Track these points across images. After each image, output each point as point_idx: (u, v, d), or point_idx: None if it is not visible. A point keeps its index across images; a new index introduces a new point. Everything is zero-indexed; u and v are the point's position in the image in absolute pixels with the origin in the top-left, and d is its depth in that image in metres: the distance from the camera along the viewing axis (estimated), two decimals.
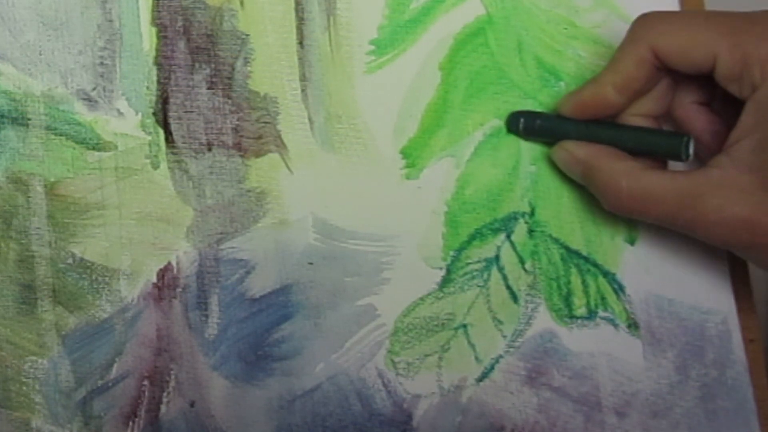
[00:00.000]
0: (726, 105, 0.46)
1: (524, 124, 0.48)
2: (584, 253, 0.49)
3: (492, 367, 0.48)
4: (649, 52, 0.44)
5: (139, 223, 0.46)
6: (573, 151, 0.47)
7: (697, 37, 0.44)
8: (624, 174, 0.45)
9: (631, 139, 0.46)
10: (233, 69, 0.46)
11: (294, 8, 0.47)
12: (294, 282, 0.47)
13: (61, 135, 0.45)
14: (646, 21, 0.45)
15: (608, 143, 0.46)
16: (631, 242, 0.49)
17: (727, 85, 0.44)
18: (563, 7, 0.49)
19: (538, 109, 0.49)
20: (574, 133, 0.47)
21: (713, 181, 0.43)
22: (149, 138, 0.46)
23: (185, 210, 0.46)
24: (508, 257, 0.49)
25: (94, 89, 0.46)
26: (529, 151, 0.49)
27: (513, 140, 0.49)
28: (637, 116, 0.47)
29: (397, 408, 0.48)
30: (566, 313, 0.49)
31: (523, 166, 0.49)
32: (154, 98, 0.46)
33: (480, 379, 0.48)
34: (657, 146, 0.46)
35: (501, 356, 0.48)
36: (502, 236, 0.49)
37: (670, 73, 0.46)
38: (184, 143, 0.46)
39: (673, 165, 0.48)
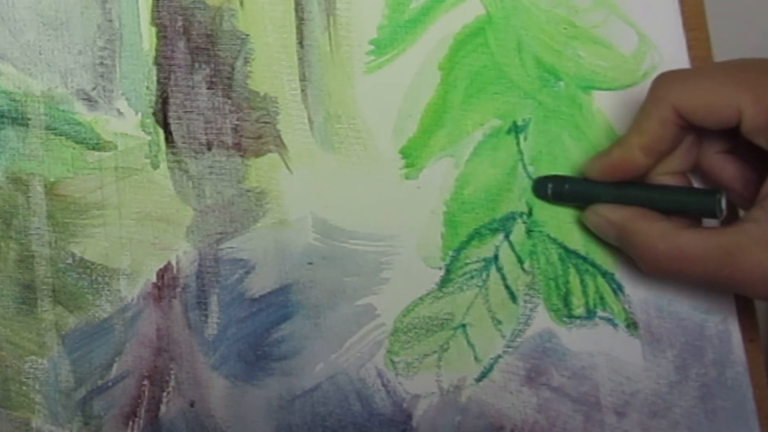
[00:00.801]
0: (753, 151, 0.46)
1: (552, 189, 0.49)
2: (582, 253, 0.50)
3: (491, 367, 0.49)
4: (672, 113, 0.45)
5: (138, 222, 0.47)
6: (606, 215, 0.47)
7: (719, 94, 0.44)
8: (659, 236, 0.45)
9: (663, 200, 0.47)
10: (233, 69, 0.48)
11: (294, 8, 0.48)
12: (293, 282, 0.48)
13: (61, 135, 0.46)
14: (665, 81, 0.46)
15: (640, 204, 0.47)
16: None
17: (754, 138, 0.44)
18: (563, 6, 0.50)
19: (538, 110, 0.50)
20: (604, 195, 0.48)
21: (751, 236, 0.43)
22: (149, 138, 0.47)
23: (185, 210, 0.47)
24: (506, 257, 0.50)
25: (94, 89, 0.47)
26: (528, 151, 0.50)
27: (512, 140, 0.50)
28: (666, 174, 0.48)
29: (397, 408, 0.49)
30: (565, 313, 0.50)
31: (522, 167, 0.50)
32: (153, 98, 0.47)
33: (479, 379, 0.49)
34: (690, 205, 0.46)
35: (500, 356, 0.49)
36: (501, 236, 0.50)
37: (694, 129, 0.46)
38: (183, 143, 0.47)
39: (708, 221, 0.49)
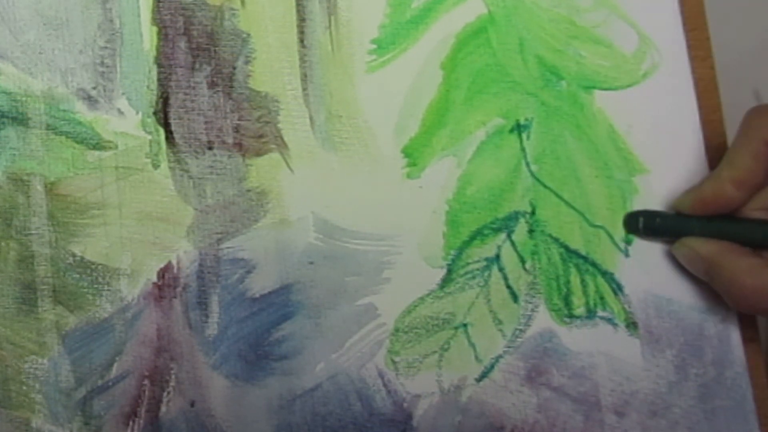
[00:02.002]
0: None
1: (644, 224, 0.51)
2: (583, 252, 0.51)
3: (492, 367, 0.51)
4: (764, 146, 0.46)
5: (139, 222, 0.48)
6: (696, 248, 0.49)
7: None
8: (748, 271, 0.46)
9: (753, 234, 0.48)
10: (234, 68, 0.49)
11: (295, 7, 0.50)
12: (294, 281, 0.49)
13: (61, 134, 0.47)
14: (759, 113, 0.47)
15: (731, 239, 0.48)
16: (630, 242, 0.52)
17: None
18: (564, 6, 0.52)
19: (541, 109, 0.51)
20: (695, 229, 0.49)
21: None
22: (150, 137, 0.48)
23: (186, 209, 0.49)
24: (508, 257, 0.51)
25: (94, 88, 0.48)
26: (531, 150, 0.51)
27: (515, 139, 0.51)
28: (759, 210, 0.48)
29: (397, 407, 0.50)
30: (566, 313, 0.51)
31: (525, 166, 0.51)
32: (154, 97, 0.48)
33: (480, 379, 0.51)
34: None
35: (501, 356, 0.51)
36: (503, 236, 0.51)
37: None
38: (184, 142, 0.48)
39: None
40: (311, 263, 0.50)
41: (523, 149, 0.51)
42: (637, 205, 0.52)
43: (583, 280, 0.51)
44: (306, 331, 0.49)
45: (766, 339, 0.61)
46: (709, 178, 0.49)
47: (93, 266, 0.48)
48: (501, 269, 0.51)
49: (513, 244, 0.51)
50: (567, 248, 0.51)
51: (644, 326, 0.52)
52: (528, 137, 0.51)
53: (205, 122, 0.49)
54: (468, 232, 0.51)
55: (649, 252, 0.52)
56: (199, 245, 0.49)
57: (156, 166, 0.48)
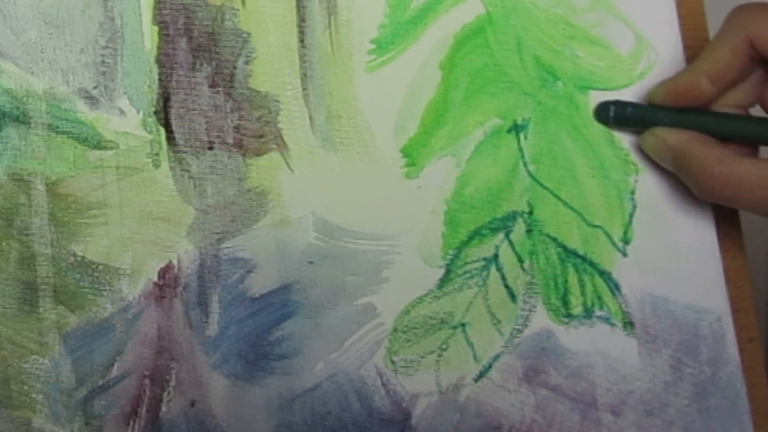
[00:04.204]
0: None
1: (615, 113, 0.54)
2: (581, 252, 0.55)
3: (490, 366, 0.54)
4: (745, 42, 0.49)
5: (140, 222, 0.52)
6: (665, 137, 0.52)
7: None
8: (716, 160, 0.50)
9: (723, 126, 0.52)
10: (234, 68, 0.53)
11: (295, 7, 0.53)
12: (294, 281, 0.53)
13: (62, 133, 0.51)
14: (743, 11, 0.50)
15: (700, 130, 0.52)
16: (627, 242, 0.56)
17: None
18: (561, 6, 0.55)
19: (538, 109, 0.55)
20: (666, 120, 0.53)
21: None
22: (150, 137, 0.52)
23: (186, 209, 0.52)
24: (506, 256, 0.55)
25: (95, 88, 0.51)
26: (528, 150, 0.55)
27: (513, 140, 0.55)
28: (728, 106, 0.52)
29: (396, 407, 0.54)
30: (563, 313, 0.55)
31: (522, 166, 0.55)
32: (155, 97, 0.52)
33: (478, 378, 0.54)
34: (750, 132, 0.51)
35: (499, 355, 0.54)
36: (501, 235, 0.55)
37: (764, 65, 0.51)
38: (185, 142, 0.52)
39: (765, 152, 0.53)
40: (311, 263, 0.53)
41: (520, 149, 0.55)
42: (636, 204, 0.56)
43: (580, 280, 0.55)
44: (305, 330, 0.53)
45: (766, 339, 0.65)
46: (685, 70, 0.52)
47: (94, 266, 0.51)
48: (499, 269, 0.55)
49: (511, 243, 0.55)
50: (565, 248, 0.55)
51: (641, 326, 0.55)
52: (525, 137, 0.55)
53: (206, 122, 0.52)
54: (466, 231, 0.55)
55: (647, 252, 0.55)
56: (200, 245, 0.52)
57: (157, 166, 0.52)
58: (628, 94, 0.56)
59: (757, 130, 0.52)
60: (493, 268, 0.55)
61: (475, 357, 0.54)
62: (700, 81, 0.51)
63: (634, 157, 0.56)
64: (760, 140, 0.52)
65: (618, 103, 0.55)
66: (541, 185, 0.55)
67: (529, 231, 0.55)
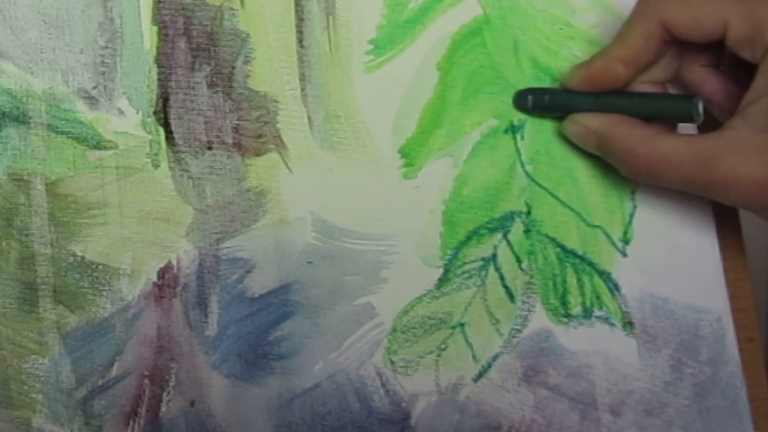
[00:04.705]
0: (736, 66, 0.52)
1: (533, 101, 0.55)
2: (580, 252, 0.56)
3: (489, 366, 0.55)
4: (657, 26, 0.50)
5: (139, 222, 0.53)
6: (586, 123, 0.53)
7: (704, 7, 0.49)
8: (639, 140, 0.51)
9: (642, 106, 0.52)
10: (233, 68, 0.54)
11: (294, 8, 0.54)
12: (293, 281, 0.54)
13: (62, 134, 0.52)
14: None
15: (620, 112, 0.52)
16: (627, 242, 0.56)
17: (739, 50, 0.50)
18: (560, 7, 0.56)
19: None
20: (584, 105, 0.53)
21: (728, 143, 0.49)
22: (150, 137, 0.53)
23: (185, 209, 0.53)
24: (505, 256, 0.56)
25: (95, 88, 0.52)
26: (525, 150, 0.56)
27: (509, 140, 0.56)
28: (645, 84, 0.53)
29: (396, 406, 0.54)
30: (562, 312, 0.56)
31: (520, 166, 0.56)
32: (154, 97, 0.53)
33: (477, 378, 0.55)
34: (668, 110, 0.52)
35: (498, 355, 0.55)
36: (499, 235, 0.56)
37: (678, 42, 0.52)
38: (184, 142, 0.53)
39: (688, 129, 0.54)
40: (310, 263, 0.54)
41: (517, 150, 0.56)
42: (636, 204, 0.56)
43: (579, 280, 0.56)
44: (305, 330, 0.54)
45: (766, 339, 0.65)
46: (599, 55, 0.53)
47: (93, 266, 0.52)
48: (498, 269, 0.56)
49: (509, 243, 0.56)
50: (563, 248, 0.56)
51: (640, 326, 0.56)
52: (522, 138, 0.56)
53: (205, 122, 0.53)
54: (464, 231, 0.55)
55: (647, 251, 0.56)
56: (199, 245, 0.53)
57: (156, 166, 0.53)
58: None
59: (674, 107, 0.52)
60: (491, 268, 0.55)
61: (474, 357, 0.55)
62: (614, 66, 0.52)
63: None
64: (679, 117, 0.53)
65: (535, 91, 0.56)
66: (539, 185, 0.56)
67: (527, 231, 0.56)
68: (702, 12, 0.50)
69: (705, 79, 0.54)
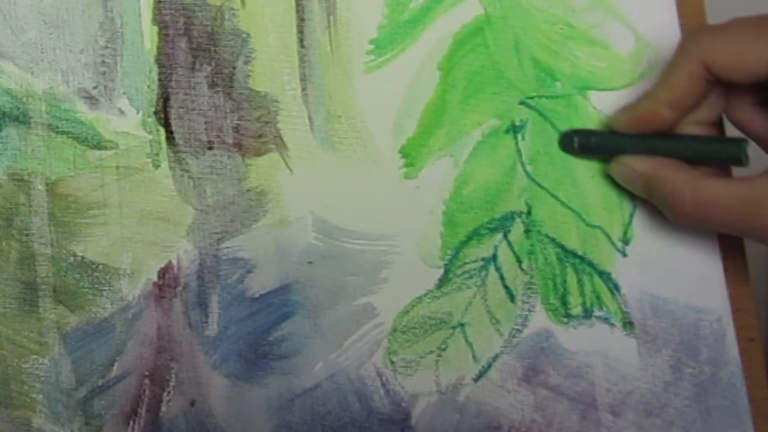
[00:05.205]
0: None
1: (579, 143, 0.55)
2: (580, 252, 0.56)
3: (489, 366, 0.55)
4: (701, 68, 0.50)
5: (139, 222, 0.53)
6: (632, 165, 0.53)
7: (748, 48, 0.49)
8: (686, 184, 0.51)
9: (689, 149, 0.53)
10: (234, 68, 0.54)
11: (294, 8, 0.55)
12: (294, 281, 0.54)
13: (62, 134, 0.52)
14: (695, 36, 0.51)
15: (667, 155, 0.52)
16: (626, 242, 0.56)
17: None
18: (560, 7, 0.57)
19: (535, 110, 0.56)
20: (631, 147, 0.54)
21: None
22: (150, 137, 0.53)
23: (186, 209, 0.53)
24: (505, 256, 0.56)
25: (95, 88, 0.53)
26: (526, 151, 0.56)
27: (510, 140, 0.56)
28: (692, 124, 0.53)
29: (396, 407, 0.55)
30: (562, 313, 0.56)
31: (521, 166, 0.56)
32: (155, 97, 0.53)
33: (477, 378, 0.55)
34: (715, 153, 0.52)
35: (498, 355, 0.55)
36: (500, 236, 0.56)
37: (722, 83, 0.52)
38: (185, 142, 0.53)
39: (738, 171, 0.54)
40: (310, 263, 0.55)
41: (518, 150, 0.56)
42: (636, 205, 0.57)
43: (579, 280, 0.56)
44: (305, 330, 0.54)
45: (766, 339, 0.66)
46: (644, 98, 0.53)
47: (94, 266, 0.52)
48: (498, 269, 0.56)
49: (509, 244, 0.56)
50: (563, 248, 0.56)
51: (641, 326, 0.56)
52: (523, 138, 0.56)
53: (206, 122, 0.54)
54: (465, 232, 0.56)
55: (647, 252, 0.56)
56: (199, 245, 0.53)
57: (156, 166, 0.53)
58: (629, 95, 0.57)
59: (721, 150, 0.53)
60: (491, 268, 0.56)
61: (474, 357, 0.55)
62: (660, 109, 0.52)
63: None
64: (726, 160, 0.53)
65: (581, 133, 0.56)
66: (539, 185, 0.56)
67: (527, 231, 0.56)
68: (746, 53, 0.50)
69: (752, 118, 0.53)
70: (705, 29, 0.52)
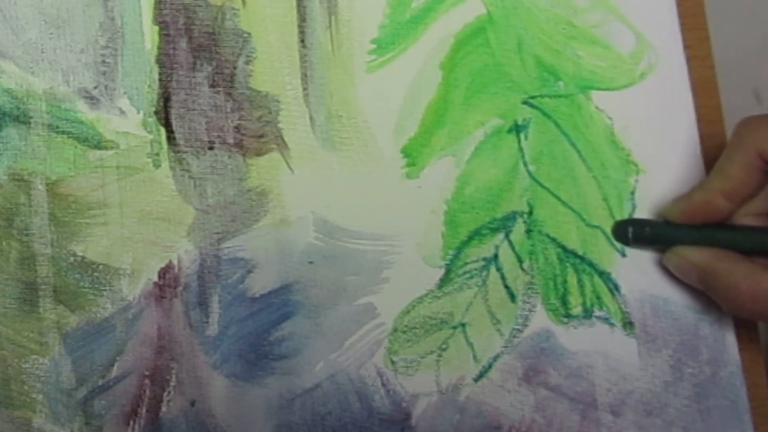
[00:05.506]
0: None
1: (633, 233, 0.55)
2: (580, 252, 0.56)
3: (490, 366, 0.55)
4: (757, 158, 0.50)
5: (140, 221, 0.53)
6: (688, 257, 0.53)
7: None
8: (743, 277, 0.50)
9: (745, 240, 0.52)
10: (235, 68, 0.54)
11: (295, 7, 0.54)
12: (294, 281, 0.54)
13: (62, 133, 0.52)
14: (750, 125, 0.51)
15: (723, 246, 0.52)
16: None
17: None
18: (562, 6, 0.57)
19: (538, 110, 0.56)
20: (686, 238, 0.53)
21: None
22: (151, 137, 0.53)
23: (186, 209, 0.53)
24: (506, 257, 0.56)
25: (95, 88, 0.53)
26: (528, 150, 0.57)
27: (513, 140, 0.56)
28: (749, 216, 0.53)
29: (396, 407, 0.55)
30: (563, 313, 0.56)
31: (522, 166, 0.56)
32: (155, 97, 0.53)
33: (478, 378, 0.55)
34: None
35: (498, 355, 0.56)
36: (501, 236, 0.56)
37: None
38: (185, 142, 0.53)
39: None
40: (311, 263, 0.55)
41: (520, 149, 0.56)
42: (635, 205, 0.57)
43: (580, 280, 0.56)
44: (305, 330, 0.54)
45: (766, 339, 0.66)
46: (699, 188, 0.53)
47: (94, 266, 0.53)
48: (499, 269, 0.56)
49: (511, 244, 0.56)
50: (564, 248, 0.56)
51: (641, 326, 0.56)
52: (525, 137, 0.56)
53: (206, 122, 0.54)
54: (466, 232, 0.56)
55: (646, 252, 0.56)
56: (200, 245, 0.54)
57: (157, 166, 0.53)
58: (630, 94, 0.57)
59: None
60: (492, 268, 0.56)
61: (474, 357, 0.56)
62: (715, 199, 0.52)
63: (635, 157, 0.57)
64: None
65: (635, 223, 0.56)
66: (541, 185, 0.56)
67: (528, 231, 0.56)
68: None
69: None
70: (759, 118, 0.52)
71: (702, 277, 0.53)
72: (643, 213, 0.57)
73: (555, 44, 0.57)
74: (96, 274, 0.52)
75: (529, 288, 0.56)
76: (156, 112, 0.53)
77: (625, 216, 0.56)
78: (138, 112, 0.53)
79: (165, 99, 0.53)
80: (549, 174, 0.56)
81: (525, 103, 0.56)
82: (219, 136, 0.53)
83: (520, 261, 0.56)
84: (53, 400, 0.52)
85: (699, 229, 0.53)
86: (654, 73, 0.57)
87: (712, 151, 0.57)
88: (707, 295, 0.55)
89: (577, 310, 0.56)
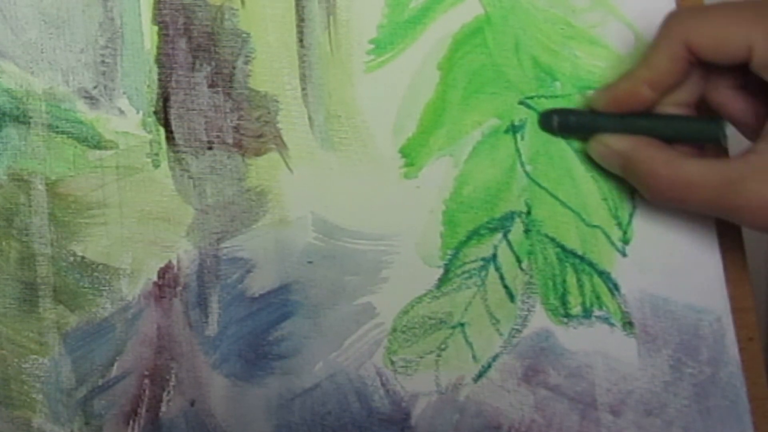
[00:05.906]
0: (762, 86, 0.52)
1: (558, 121, 0.56)
2: (579, 252, 0.57)
3: (489, 366, 0.56)
4: (682, 49, 0.51)
5: (139, 221, 0.54)
6: (610, 144, 0.54)
7: (730, 30, 0.50)
8: (663, 163, 0.51)
9: (667, 128, 0.53)
10: (234, 68, 0.54)
11: (294, 7, 0.55)
12: (293, 281, 0.55)
13: (62, 133, 0.53)
14: (677, 17, 0.52)
15: (645, 134, 0.53)
16: (626, 242, 0.57)
17: (764, 74, 0.50)
18: (560, 7, 0.57)
19: (535, 110, 0.56)
20: (609, 126, 0.54)
21: (753, 166, 0.49)
22: (150, 137, 0.54)
23: (186, 209, 0.54)
24: (505, 256, 0.56)
25: (95, 88, 0.53)
26: (525, 150, 0.57)
27: (510, 140, 0.57)
28: (671, 105, 0.54)
29: (396, 406, 0.55)
30: (562, 312, 0.56)
31: (521, 166, 0.57)
32: (155, 97, 0.54)
33: (477, 378, 0.56)
34: (693, 133, 0.53)
35: (498, 355, 0.56)
36: (500, 235, 0.56)
37: (703, 64, 0.52)
38: (184, 142, 0.54)
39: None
40: (310, 263, 0.55)
41: (517, 150, 0.57)
42: (636, 204, 0.57)
43: (579, 280, 0.57)
44: (305, 330, 0.55)
45: (766, 339, 0.66)
46: (624, 78, 0.54)
47: (94, 266, 0.53)
48: (498, 269, 0.56)
49: (509, 243, 0.57)
50: (563, 248, 0.57)
51: (640, 326, 0.57)
52: (522, 138, 0.57)
53: (205, 122, 0.54)
54: (465, 231, 0.56)
55: (646, 252, 0.57)
56: (199, 244, 0.54)
57: (156, 166, 0.54)
58: None
59: (699, 130, 0.54)
60: (491, 268, 0.56)
61: (474, 357, 0.56)
62: (640, 88, 0.53)
63: None
64: (704, 139, 0.54)
65: (561, 112, 0.56)
66: (539, 185, 0.57)
67: (527, 231, 0.57)
68: (727, 35, 0.50)
69: (731, 100, 0.54)
70: (688, 11, 0.53)
71: (623, 164, 0.54)
72: (643, 212, 0.57)
73: (553, 44, 0.57)
74: (96, 274, 0.53)
75: (528, 288, 0.56)
76: (155, 112, 0.53)
77: (627, 217, 0.57)
78: (137, 112, 0.53)
79: (164, 99, 0.53)
80: (546, 174, 0.57)
81: (521, 103, 0.56)
82: (218, 136, 0.54)
83: (519, 261, 0.56)
84: (53, 400, 0.52)
85: (623, 118, 0.54)
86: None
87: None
88: (707, 295, 0.56)
89: (576, 309, 0.57)
